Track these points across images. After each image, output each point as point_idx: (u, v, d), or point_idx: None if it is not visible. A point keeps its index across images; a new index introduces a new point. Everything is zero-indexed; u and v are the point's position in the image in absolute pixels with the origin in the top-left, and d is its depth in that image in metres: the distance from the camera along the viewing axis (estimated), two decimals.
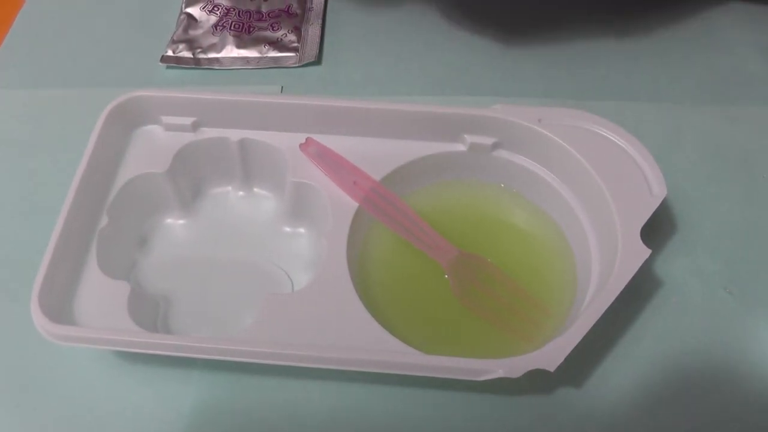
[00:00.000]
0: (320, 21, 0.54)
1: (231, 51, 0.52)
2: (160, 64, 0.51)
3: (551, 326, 0.37)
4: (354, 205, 0.39)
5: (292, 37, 0.53)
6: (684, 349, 0.38)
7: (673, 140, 0.46)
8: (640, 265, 0.35)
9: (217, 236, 0.42)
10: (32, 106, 0.49)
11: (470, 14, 0.54)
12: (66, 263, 0.36)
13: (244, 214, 0.43)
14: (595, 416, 0.36)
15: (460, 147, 0.41)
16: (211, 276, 0.41)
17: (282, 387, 0.37)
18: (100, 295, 0.36)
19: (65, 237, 0.36)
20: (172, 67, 0.52)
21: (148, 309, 0.38)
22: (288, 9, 0.55)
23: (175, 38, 0.53)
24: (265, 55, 0.52)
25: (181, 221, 0.43)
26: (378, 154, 0.41)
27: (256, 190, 0.44)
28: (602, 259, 0.37)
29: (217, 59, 0.52)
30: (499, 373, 0.32)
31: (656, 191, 0.37)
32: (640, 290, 0.39)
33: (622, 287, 0.34)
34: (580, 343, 0.32)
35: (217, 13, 0.54)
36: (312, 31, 0.54)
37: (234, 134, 0.42)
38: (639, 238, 0.35)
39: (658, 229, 0.41)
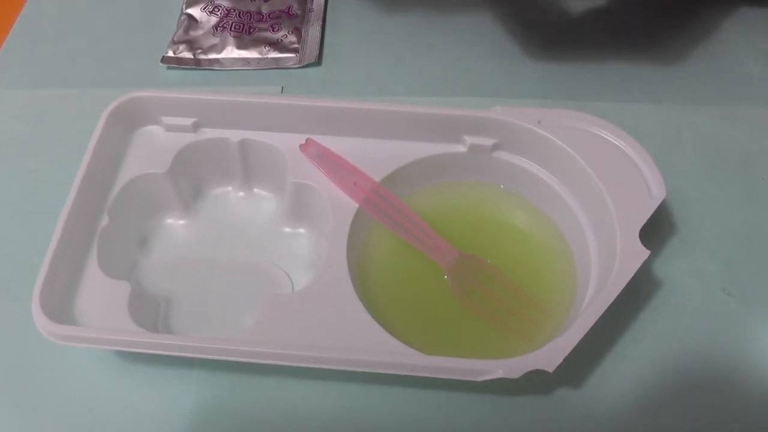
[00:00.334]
0: (320, 22, 0.54)
1: (231, 52, 0.52)
2: (161, 64, 0.51)
3: (551, 327, 0.37)
4: (354, 205, 0.39)
5: (292, 38, 0.53)
6: (683, 350, 0.38)
7: (672, 141, 0.46)
8: (639, 266, 0.35)
9: (218, 237, 0.42)
10: (33, 106, 0.49)
11: (471, 15, 0.54)
12: (67, 263, 0.36)
13: (244, 214, 0.43)
14: (595, 417, 0.36)
15: (460, 148, 0.41)
16: (212, 276, 0.41)
17: (282, 387, 0.37)
18: (100, 295, 0.36)
19: (66, 237, 0.36)
20: (172, 68, 0.52)
21: (148, 309, 0.38)
22: (288, 10, 0.55)
23: (175, 39, 0.53)
24: (265, 56, 0.52)
25: (181, 221, 0.43)
26: (378, 155, 0.41)
27: (256, 190, 0.44)
28: (601, 260, 0.37)
29: (217, 60, 0.52)
30: (499, 374, 0.32)
31: (655, 192, 0.37)
32: (639, 291, 0.39)
33: (621, 288, 0.34)
34: (579, 343, 0.33)
35: (218, 14, 0.54)
36: (312, 32, 0.54)
37: (234, 135, 0.42)
38: (638, 239, 0.35)
39: (657, 230, 0.41)
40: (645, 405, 0.36)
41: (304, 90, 0.50)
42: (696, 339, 0.38)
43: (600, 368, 0.37)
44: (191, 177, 0.43)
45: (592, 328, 0.33)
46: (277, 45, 0.52)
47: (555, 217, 0.41)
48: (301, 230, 0.42)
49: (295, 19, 0.54)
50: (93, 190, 0.39)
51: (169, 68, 0.52)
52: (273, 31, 0.53)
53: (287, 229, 0.42)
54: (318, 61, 0.52)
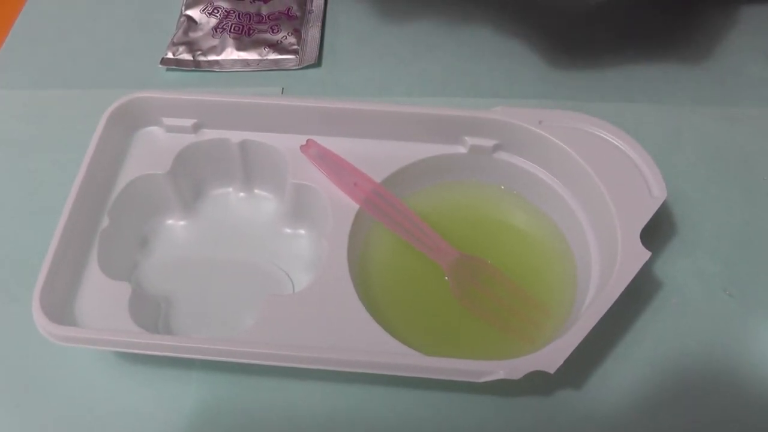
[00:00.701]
0: (320, 23, 0.54)
1: (231, 53, 0.52)
2: (160, 66, 0.51)
3: (551, 327, 0.37)
4: (354, 206, 0.39)
5: (292, 39, 0.53)
6: (684, 351, 0.38)
7: (673, 142, 0.46)
8: (640, 267, 0.35)
9: (218, 237, 0.42)
10: (33, 107, 0.49)
11: (471, 16, 0.54)
12: (67, 264, 0.36)
13: (244, 215, 0.43)
14: (595, 418, 0.36)
15: (461, 149, 0.41)
16: (212, 277, 0.41)
17: (282, 388, 0.37)
18: (101, 296, 0.36)
19: (66, 238, 0.36)
20: (172, 70, 0.52)
21: (148, 310, 0.38)
22: (288, 11, 0.55)
23: (175, 40, 0.53)
24: (265, 58, 0.52)
25: (182, 222, 0.43)
26: (378, 156, 0.41)
27: (256, 191, 0.44)
28: (602, 261, 0.37)
29: (217, 62, 0.52)
30: (500, 375, 0.32)
31: (656, 193, 0.37)
32: (640, 292, 0.39)
33: (622, 289, 0.34)
34: (580, 344, 0.33)
35: (217, 15, 0.54)
36: (312, 33, 0.54)
37: (235, 136, 0.42)
38: (639, 240, 0.35)
39: (658, 230, 0.41)
40: (646, 406, 0.36)
41: (304, 91, 0.50)
42: (697, 340, 0.38)
43: (600, 369, 0.37)
44: (192, 178, 0.43)
45: (592, 329, 0.33)
46: (276, 46, 0.52)
47: (555, 217, 0.41)
48: (302, 231, 0.42)
49: (294, 20, 0.54)
50: (93, 191, 0.39)
51: (168, 70, 0.52)
52: (272, 32, 0.53)
53: (288, 230, 0.42)
54: (318, 63, 0.52)
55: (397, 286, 0.39)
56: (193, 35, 0.53)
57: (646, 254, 0.35)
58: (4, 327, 0.39)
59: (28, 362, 0.38)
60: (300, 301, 0.36)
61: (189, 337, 0.37)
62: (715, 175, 0.45)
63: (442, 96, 0.50)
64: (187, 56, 0.52)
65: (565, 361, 0.32)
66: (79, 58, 0.53)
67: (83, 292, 0.36)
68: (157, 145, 0.42)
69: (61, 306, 0.35)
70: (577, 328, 0.33)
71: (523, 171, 0.41)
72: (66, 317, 0.35)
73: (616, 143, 0.39)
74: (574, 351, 0.32)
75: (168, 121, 0.41)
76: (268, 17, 0.54)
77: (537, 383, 0.35)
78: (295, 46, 0.52)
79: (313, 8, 0.55)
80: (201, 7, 0.55)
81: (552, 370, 0.32)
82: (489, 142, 0.41)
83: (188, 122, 0.41)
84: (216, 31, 0.53)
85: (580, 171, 0.39)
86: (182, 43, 0.52)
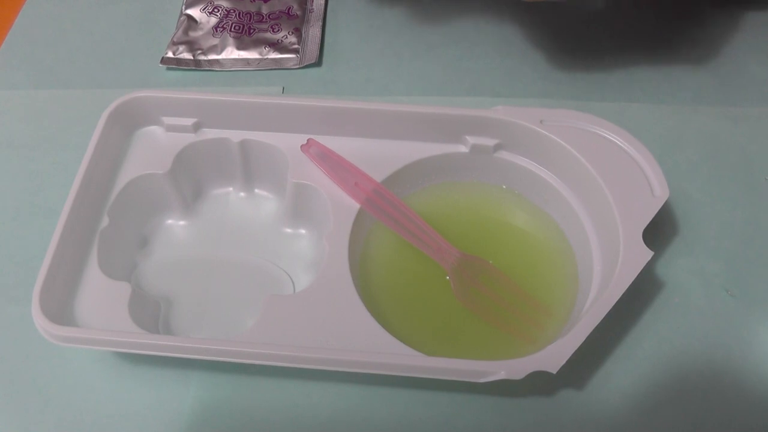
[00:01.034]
0: (321, 22, 0.54)
1: (231, 53, 0.52)
2: (161, 65, 0.51)
3: (553, 328, 0.37)
4: (355, 206, 0.39)
5: (292, 38, 0.53)
6: (686, 351, 0.38)
7: (674, 142, 0.46)
8: (642, 266, 0.34)
9: (218, 237, 0.42)
10: (33, 107, 0.49)
11: (472, 15, 0.54)
12: (67, 264, 0.36)
13: (245, 215, 0.43)
14: (597, 418, 0.36)
15: (462, 148, 0.41)
16: (212, 277, 0.40)
17: (283, 388, 0.37)
18: (100, 297, 0.36)
19: (66, 238, 0.36)
20: (172, 69, 0.52)
21: (148, 310, 0.38)
22: (288, 11, 0.55)
23: (175, 40, 0.53)
24: (265, 57, 0.52)
25: (182, 222, 0.43)
26: (379, 156, 0.41)
27: (257, 191, 0.44)
28: (604, 261, 0.37)
29: (217, 61, 0.52)
30: (501, 375, 0.32)
31: (658, 192, 0.37)
32: (641, 291, 0.39)
33: (625, 289, 0.34)
34: (582, 344, 0.32)
35: (218, 14, 0.54)
36: (312, 32, 0.54)
37: (235, 135, 0.41)
38: (641, 239, 0.35)
39: (659, 230, 0.41)
40: (648, 405, 0.36)
41: (304, 90, 0.50)
42: (698, 339, 0.38)
43: (602, 369, 0.37)
44: (192, 177, 0.42)
45: (595, 329, 0.33)
46: (277, 45, 0.52)
47: (557, 217, 0.41)
48: (302, 231, 0.42)
49: (295, 19, 0.54)
50: (93, 191, 0.38)
51: (168, 69, 0.52)
52: (273, 31, 0.53)
53: (288, 230, 0.42)
54: (318, 62, 0.52)
55: (398, 286, 0.39)
56: (193, 34, 0.53)
57: (649, 254, 0.35)
58: (4, 327, 0.39)
59: (27, 363, 0.38)
60: (300, 301, 0.36)
61: (189, 338, 0.37)
62: (717, 174, 0.45)
63: (443, 95, 0.50)
64: (188, 55, 0.52)
65: (566, 361, 0.32)
66: (79, 57, 0.53)
67: (83, 292, 0.36)
68: (157, 145, 0.41)
69: (60, 306, 0.35)
70: (580, 328, 0.33)
71: (524, 170, 0.41)
72: (66, 317, 0.35)
73: (618, 142, 0.39)
74: (575, 351, 0.32)
75: (168, 120, 0.41)
76: (269, 16, 0.54)
77: (538, 384, 0.35)
78: (296, 46, 0.52)
79: (313, 7, 0.55)
80: (201, 6, 0.55)
81: (554, 371, 0.32)
82: (490, 142, 0.41)
83: (188, 121, 0.41)
84: (216, 31, 0.53)
85: (581, 170, 0.38)
86: (182, 43, 0.52)
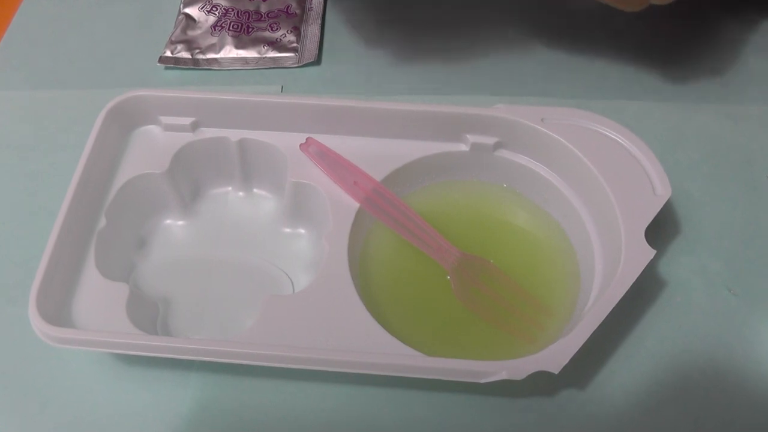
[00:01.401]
0: (319, 21, 0.54)
1: (230, 51, 0.52)
2: (159, 65, 0.51)
3: (554, 327, 0.37)
4: (355, 205, 0.39)
5: (291, 37, 0.52)
6: (688, 349, 0.37)
7: (675, 140, 0.46)
8: (644, 265, 0.34)
9: (217, 237, 0.42)
10: (30, 108, 0.49)
11: (471, 13, 0.54)
12: (64, 265, 0.36)
13: (243, 214, 0.43)
14: (599, 417, 0.35)
15: (462, 147, 0.41)
16: (211, 277, 0.40)
17: (282, 389, 0.36)
18: (98, 298, 0.36)
19: (63, 239, 0.35)
20: (170, 68, 0.51)
21: (147, 311, 0.38)
22: (287, 9, 0.54)
23: (173, 39, 0.52)
24: (264, 56, 0.51)
25: (180, 222, 0.42)
26: (379, 154, 0.40)
27: (255, 190, 0.44)
28: (605, 260, 0.37)
29: (215, 60, 0.51)
30: (503, 375, 0.32)
31: (660, 191, 0.37)
32: (643, 290, 0.39)
33: (627, 288, 0.34)
34: (584, 344, 0.32)
35: (216, 13, 0.54)
36: (311, 31, 0.53)
37: (233, 134, 0.41)
38: (643, 238, 0.35)
39: (661, 228, 0.41)
40: (650, 405, 0.36)
41: (303, 89, 0.50)
42: (701, 338, 0.38)
43: (604, 368, 0.37)
44: (190, 177, 0.42)
45: (596, 328, 0.33)
46: (276, 44, 0.52)
47: (558, 216, 0.41)
48: (302, 230, 0.42)
49: (293, 18, 0.54)
50: (90, 191, 0.38)
51: (167, 68, 0.51)
52: (272, 30, 0.53)
53: (287, 230, 0.42)
54: (317, 60, 0.52)
55: (398, 286, 0.39)
56: (191, 33, 0.53)
57: (651, 252, 0.35)
58: (2, 328, 0.39)
59: (25, 364, 0.37)
60: (300, 302, 0.36)
61: (187, 339, 0.37)
62: (719, 172, 0.44)
63: (443, 93, 0.49)
64: (186, 54, 0.51)
65: (568, 361, 0.32)
66: (77, 57, 0.53)
67: (80, 293, 0.36)
68: (154, 144, 0.41)
69: (58, 308, 0.35)
70: (581, 328, 0.33)
71: (525, 169, 0.41)
72: (63, 319, 0.35)
73: (620, 140, 0.39)
74: (577, 351, 0.32)
75: (166, 119, 0.41)
76: (267, 15, 0.54)
77: (540, 384, 0.34)
78: (295, 44, 0.52)
79: (312, 6, 0.55)
80: (199, 5, 0.54)
81: (556, 371, 0.32)
82: (490, 140, 0.40)
83: (186, 121, 0.41)
84: (215, 29, 0.53)
85: (582, 169, 0.38)
86: (181, 42, 0.52)
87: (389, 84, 0.50)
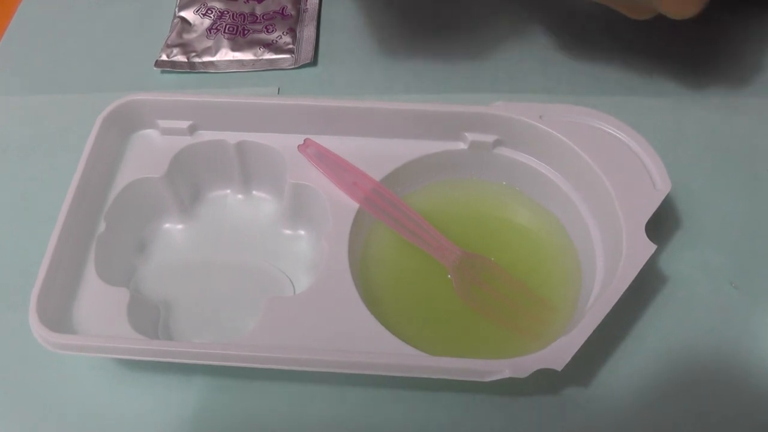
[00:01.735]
0: (315, 22, 0.54)
1: (226, 54, 0.52)
2: (155, 68, 0.51)
3: (556, 324, 0.37)
4: (354, 206, 0.39)
5: (287, 38, 0.52)
6: (690, 344, 0.37)
7: (675, 134, 0.46)
8: (645, 260, 0.34)
9: (217, 240, 0.42)
10: (27, 112, 0.49)
11: (468, 11, 0.54)
12: (64, 271, 0.35)
13: (243, 217, 0.43)
14: (603, 414, 0.35)
15: (461, 145, 0.41)
16: (212, 281, 0.40)
17: (285, 391, 0.36)
18: (99, 303, 0.36)
19: (63, 244, 0.35)
20: (166, 72, 0.51)
21: (148, 315, 0.38)
22: (282, 11, 0.54)
23: (169, 42, 0.52)
24: (260, 58, 0.51)
25: (179, 226, 0.42)
26: (377, 154, 0.40)
27: (255, 192, 0.44)
28: (607, 255, 0.37)
29: (212, 63, 0.51)
30: (506, 374, 0.32)
31: (660, 186, 0.37)
32: (645, 286, 0.39)
33: (628, 284, 0.33)
34: (586, 341, 0.32)
35: (211, 16, 0.54)
36: (307, 32, 0.53)
37: (231, 137, 0.41)
38: (644, 233, 0.35)
39: (661, 223, 0.41)
40: (654, 400, 0.36)
41: (300, 90, 0.50)
42: (703, 332, 0.38)
43: (607, 364, 0.37)
44: (189, 180, 0.42)
45: (599, 325, 0.32)
46: (271, 46, 0.52)
47: (558, 213, 0.41)
48: (302, 232, 0.42)
49: (289, 19, 0.54)
50: (89, 196, 0.38)
51: (163, 72, 0.51)
52: (267, 32, 0.53)
53: (287, 231, 0.42)
54: (314, 62, 0.51)
55: (400, 285, 0.39)
56: (187, 37, 0.53)
57: (652, 247, 0.35)
58: (2, 336, 0.39)
59: (26, 371, 0.37)
60: (301, 303, 0.35)
61: (189, 343, 0.37)
62: (719, 166, 0.44)
63: (441, 92, 0.49)
64: (182, 58, 0.51)
65: (571, 358, 0.32)
66: (73, 62, 0.52)
67: (81, 298, 0.36)
68: (152, 148, 0.41)
69: (58, 313, 0.35)
70: (584, 325, 0.33)
71: (524, 166, 0.41)
72: (64, 325, 0.35)
73: (619, 136, 0.38)
74: (580, 348, 0.32)
75: (163, 123, 0.41)
76: (263, 17, 0.54)
77: (543, 381, 0.34)
78: (291, 46, 0.52)
79: (307, 7, 0.55)
80: (194, 8, 0.54)
81: (559, 368, 0.32)
82: (489, 138, 0.40)
83: (184, 124, 0.41)
84: (210, 32, 0.53)
85: (582, 165, 0.38)
86: (176, 45, 0.52)
87: (386, 83, 0.50)
